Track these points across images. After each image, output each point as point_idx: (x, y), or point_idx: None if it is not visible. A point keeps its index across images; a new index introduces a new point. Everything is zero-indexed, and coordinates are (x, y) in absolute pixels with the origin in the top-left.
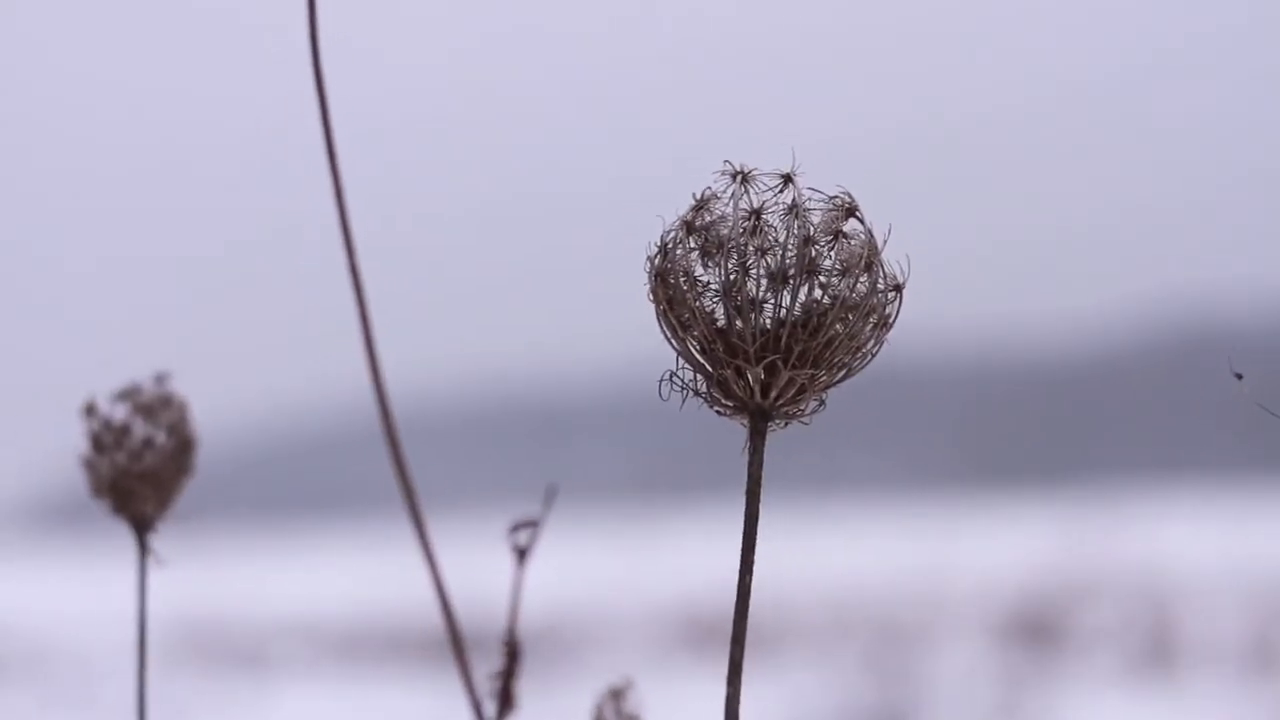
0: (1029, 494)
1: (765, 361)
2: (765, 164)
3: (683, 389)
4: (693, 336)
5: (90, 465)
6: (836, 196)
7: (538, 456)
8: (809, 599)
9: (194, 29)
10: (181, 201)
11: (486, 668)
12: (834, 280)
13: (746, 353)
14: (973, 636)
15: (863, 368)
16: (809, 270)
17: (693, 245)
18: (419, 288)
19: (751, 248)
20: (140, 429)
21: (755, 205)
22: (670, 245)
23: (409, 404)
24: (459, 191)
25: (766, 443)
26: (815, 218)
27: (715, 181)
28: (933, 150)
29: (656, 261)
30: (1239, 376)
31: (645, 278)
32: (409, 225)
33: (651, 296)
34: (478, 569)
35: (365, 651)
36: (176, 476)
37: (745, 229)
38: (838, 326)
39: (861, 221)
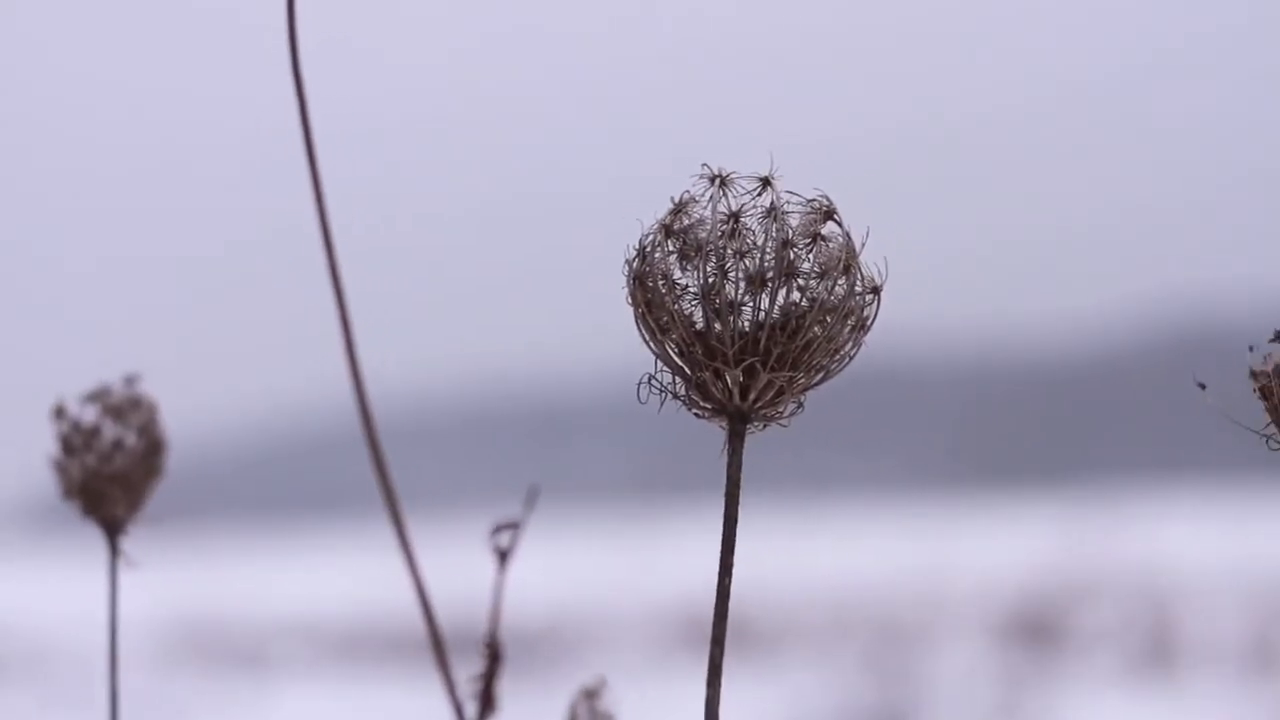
0: (1029, 494)
1: (744, 364)
2: (764, 166)
3: (661, 391)
4: (671, 339)
5: (60, 468)
6: (814, 199)
7: (538, 456)
8: (809, 599)
9: (193, 29)
10: (181, 201)
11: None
12: (812, 283)
13: (725, 355)
14: (973, 636)
15: (841, 370)
16: (787, 273)
17: (671, 248)
18: (419, 287)
19: (730, 251)
20: (110, 431)
21: (733, 208)
22: (648, 248)
23: (409, 404)
24: (459, 191)
25: (764, 444)
26: (793, 221)
27: (693, 185)
28: (933, 150)
29: (635, 265)
30: (1202, 386)
31: (623, 281)
32: (409, 225)
33: (630, 299)
34: (477, 569)
35: (365, 651)
36: (147, 478)
37: (724, 232)
38: (816, 329)
39: (839, 224)
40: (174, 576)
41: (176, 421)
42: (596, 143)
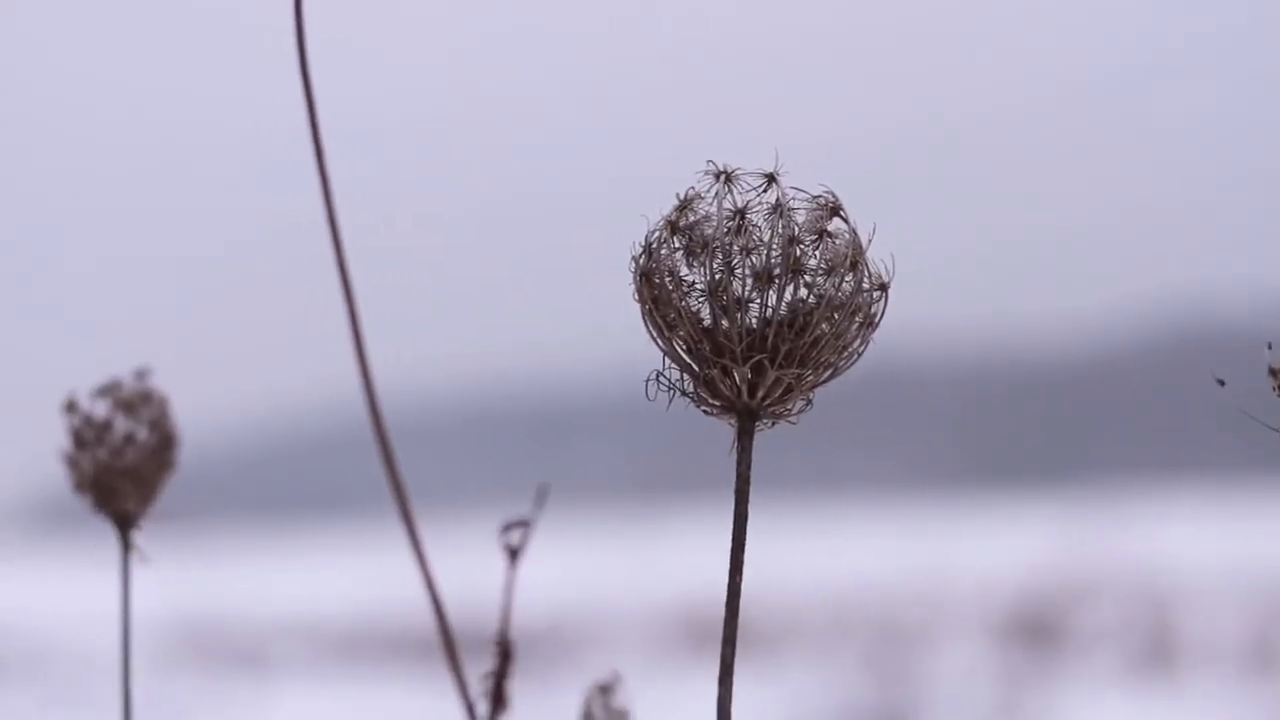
0: (1029, 494)
1: (752, 361)
2: (765, 164)
3: (669, 389)
4: (679, 336)
5: (72, 462)
6: (820, 196)
7: (537, 456)
8: (809, 599)
9: (193, 29)
10: (182, 201)
11: (485, 668)
12: (819, 280)
13: (733, 352)
14: (973, 636)
15: (849, 367)
16: (794, 270)
17: (677, 245)
18: (419, 287)
19: (736, 247)
20: (121, 425)
21: (739, 205)
22: (655, 245)
23: (409, 404)
24: (459, 191)
25: (766, 443)
26: (799, 217)
27: (699, 181)
28: (933, 150)
29: (641, 261)
30: (1221, 383)
31: (630, 278)
32: (409, 225)
33: (636, 296)
34: (476, 570)
35: (365, 651)
36: (158, 472)
37: (730, 228)
38: (824, 326)
39: (846, 221)
40: (174, 576)
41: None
42: (596, 143)
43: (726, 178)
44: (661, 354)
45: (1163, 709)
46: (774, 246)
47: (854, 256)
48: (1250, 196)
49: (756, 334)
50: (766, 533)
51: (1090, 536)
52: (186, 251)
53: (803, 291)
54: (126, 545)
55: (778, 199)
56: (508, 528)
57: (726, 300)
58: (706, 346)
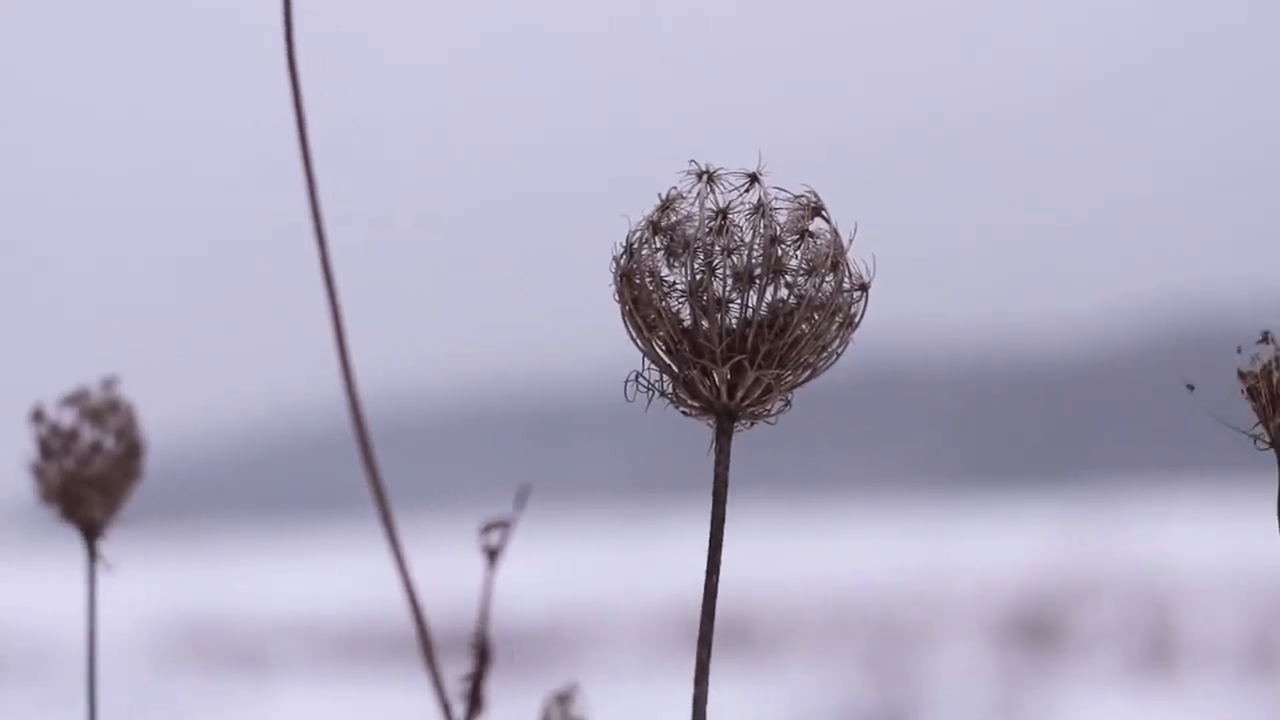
0: (1029, 494)
1: (731, 361)
2: (762, 164)
3: (649, 389)
4: (659, 337)
5: (39, 471)
6: (802, 196)
7: (537, 456)
8: (809, 599)
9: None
10: (181, 201)
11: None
12: (800, 280)
13: (713, 353)
14: (972, 636)
15: (828, 367)
16: (775, 270)
17: (658, 245)
18: (419, 287)
19: (718, 247)
20: (88, 434)
21: (721, 205)
22: (636, 245)
23: (409, 404)
24: (459, 191)
25: (766, 444)
26: (781, 217)
27: (681, 181)
28: (933, 150)
29: (622, 261)
30: (1190, 388)
31: (610, 278)
32: (409, 225)
33: (617, 297)
34: (475, 570)
35: (365, 651)
36: (125, 481)
37: (711, 228)
38: (804, 326)
39: (827, 221)
40: (174, 576)
41: (176, 421)
42: (596, 143)
43: (709, 177)
44: (641, 355)
45: (1163, 709)
46: (755, 246)
47: (835, 256)
48: (1250, 196)
49: (736, 334)
50: (766, 532)
51: (1090, 536)
52: (187, 251)
53: (783, 292)
54: (93, 554)
55: (759, 199)
56: (487, 528)
57: (707, 300)
58: (686, 347)
